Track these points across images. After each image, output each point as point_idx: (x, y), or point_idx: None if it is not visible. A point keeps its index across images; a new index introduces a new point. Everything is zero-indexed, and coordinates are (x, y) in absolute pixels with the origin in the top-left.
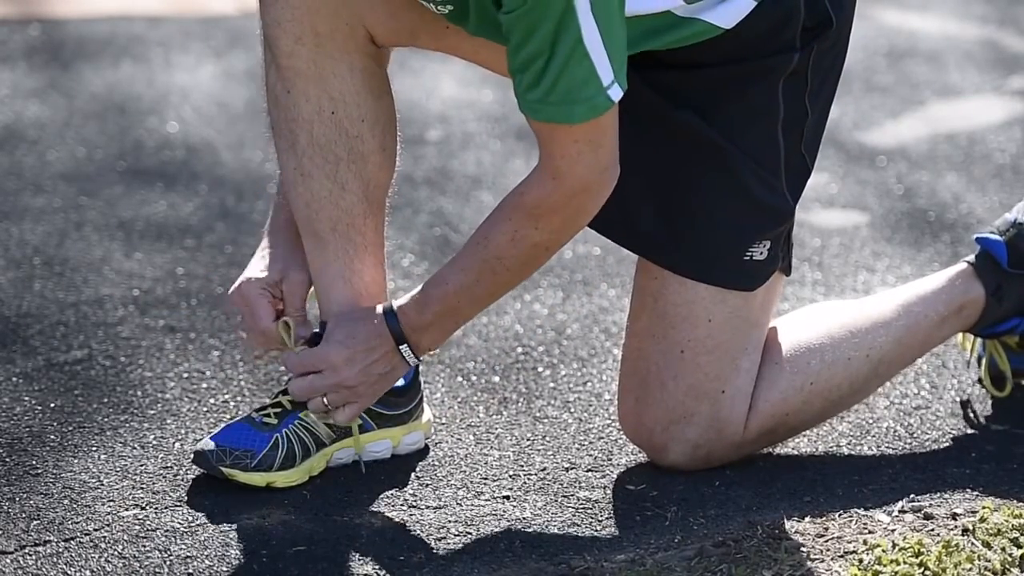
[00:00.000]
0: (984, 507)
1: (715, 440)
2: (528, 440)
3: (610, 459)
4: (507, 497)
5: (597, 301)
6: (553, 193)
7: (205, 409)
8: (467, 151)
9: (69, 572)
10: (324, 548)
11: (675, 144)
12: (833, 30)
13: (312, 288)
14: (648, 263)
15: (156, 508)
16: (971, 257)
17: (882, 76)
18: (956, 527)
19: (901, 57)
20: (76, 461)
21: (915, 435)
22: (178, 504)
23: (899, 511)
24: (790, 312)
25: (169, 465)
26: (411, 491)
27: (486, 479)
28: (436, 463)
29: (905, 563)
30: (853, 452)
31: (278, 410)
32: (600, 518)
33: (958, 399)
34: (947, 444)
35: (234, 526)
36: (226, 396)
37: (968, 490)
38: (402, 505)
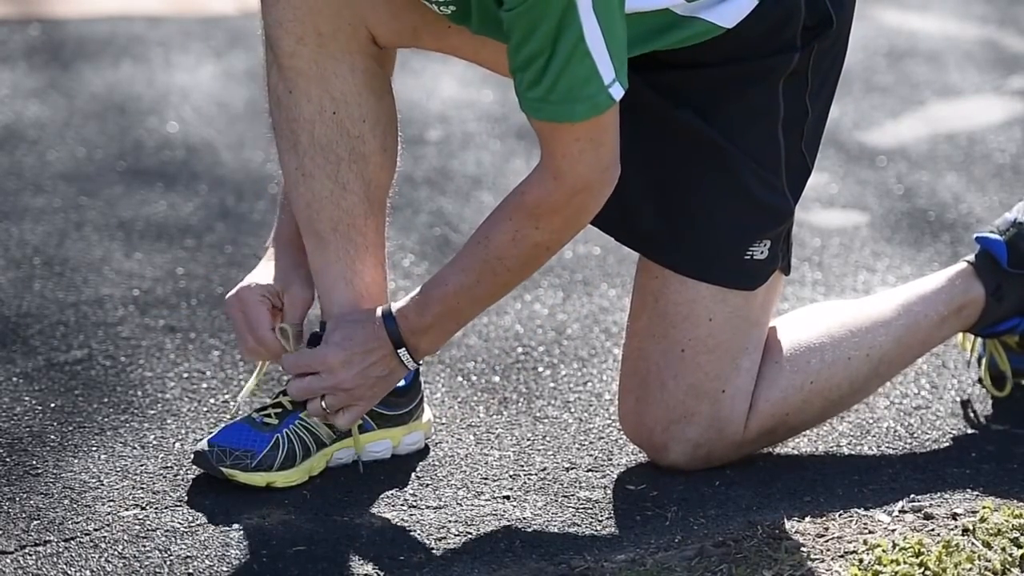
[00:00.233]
0: (984, 507)
1: (715, 440)
2: (528, 440)
3: (610, 459)
4: (507, 497)
5: (597, 301)
6: (554, 192)
7: (205, 409)
8: (467, 151)
9: (69, 572)
10: (324, 548)
11: (675, 144)
12: (833, 29)
13: (310, 307)
14: (649, 262)
15: (156, 508)
16: (971, 257)
17: (882, 76)
18: (956, 527)
19: (901, 57)
20: (76, 461)
21: (915, 435)
22: (178, 504)
23: (899, 511)
24: (790, 312)
25: (169, 465)
26: (411, 491)
27: (486, 479)
28: (436, 463)
29: (905, 563)
30: (853, 452)
31: (278, 410)
32: (600, 518)
33: (958, 399)
34: (947, 444)
35: (234, 526)
36: (226, 396)
37: (968, 490)
38: (402, 505)
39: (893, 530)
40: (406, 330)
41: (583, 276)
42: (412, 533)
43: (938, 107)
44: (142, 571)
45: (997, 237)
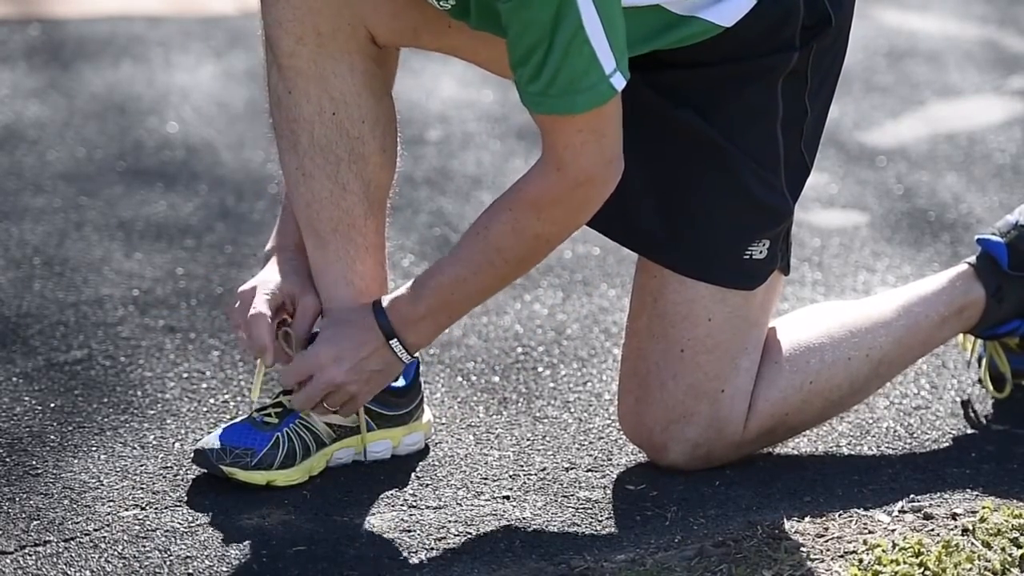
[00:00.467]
0: (984, 507)
1: (715, 440)
2: (528, 440)
3: (610, 459)
4: (507, 497)
5: (597, 301)
6: (558, 184)
7: (205, 409)
8: (467, 151)
9: (69, 572)
10: (324, 548)
11: (675, 143)
12: (832, 28)
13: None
14: (648, 262)
15: (156, 508)
16: (972, 258)
17: (882, 76)
18: (956, 527)
19: (901, 57)
20: (76, 461)
21: (915, 435)
22: (178, 504)
23: (899, 511)
24: (790, 312)
25: (169, 465)
26: (411, 491)
27: (486, 479)
28: (436, 463)
29: (905, 563)
30: (853, 452)
31: (279, 410)
32: (600, 518)
33: (958, 399)
34: (947, 444)
35: (234, 526)
36: (226, 396)
37: (968, 490)
38: (402, 505)
39: (893, 530)
40: (398, 321)
41: (583, 276)
42: (412, 533)
43: (938, 107)
44: (142, 571)
45: (998, 239)
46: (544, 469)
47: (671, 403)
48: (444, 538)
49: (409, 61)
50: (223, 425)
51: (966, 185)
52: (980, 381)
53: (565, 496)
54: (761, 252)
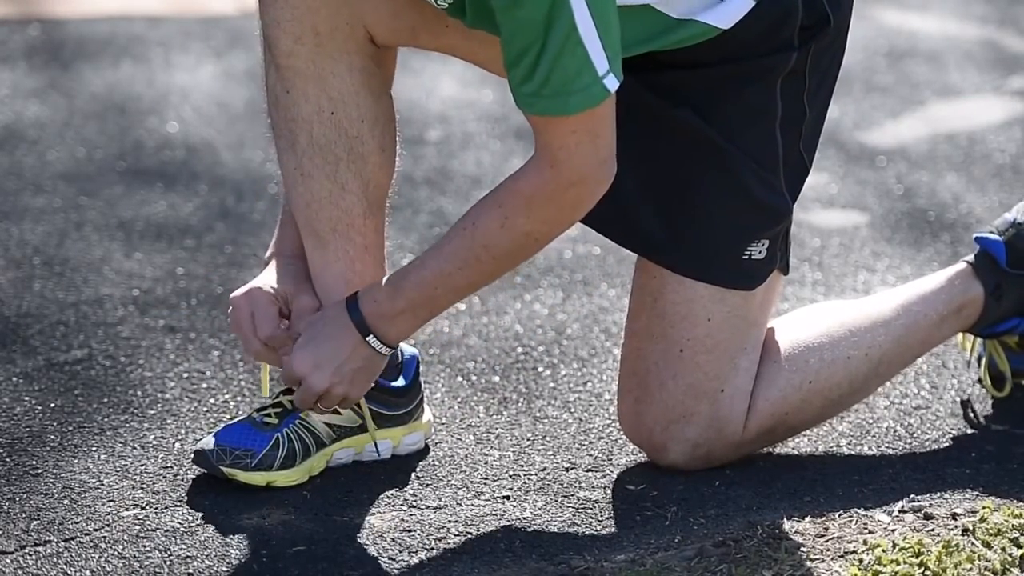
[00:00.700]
0: (984, 507)
1: (715, 439)
2: (528, 440)
3: (610, 459)
4: (507, 497)
5: (597, 301)
6: (551, 182)
7: (205, 409)
8: (467, 151)
9: (69, 572)
10: (324, 548)
11: (674, 143)
12: (831, 29)
13: None
14: (647, 262)
15: (156, 508)
16: (970, 257)
17: (882, 76)
18: (956, 527)
19: (901, 57)
20: (76, 461)
21: (915, 435)
22: (178, 504)
23: (899, 511)
24: (789, 312)
25: (169, 465)
26: (411, 491)
27: (486, 479)
28: (436, 463)
29: (905, 563)
30: (853, 452)
31: (279, 410)
32: (600, 518)
33: (958, 399)
34: (947, 444)
35: (234, 526)
36: (226, 396)
37: (968, 490)
38: (402, 505)
39: (893, 530)
40: (375, 315)
41: (583, 276)
42: (412, 533)
43: (938, 107)
44: (142, 571)
45: (996, 237)
46: (544, 469)
47: (671, 403)
48: (444, 538)
49: (409, 61)
50: (223, 425)
51: (966, 185)
52: (980, 381)
53: (565, 496)
54: (760, 252)
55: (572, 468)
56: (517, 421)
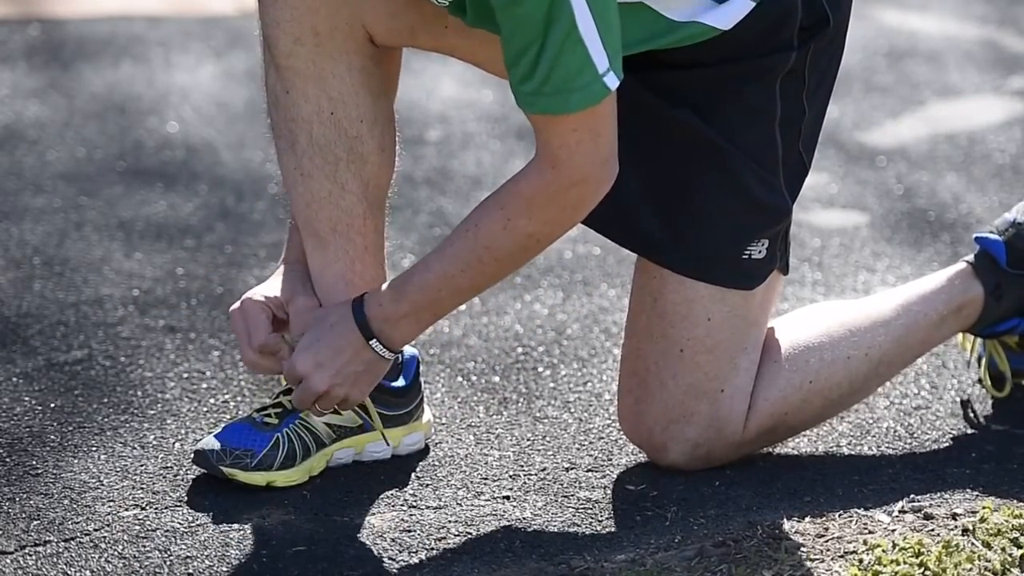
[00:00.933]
0: (984, 507)
1: (715, 439)
2: (528, 440)
3: (610, 459)
4: (507, 497)
5: (597, 301)
6: (552, 182)
7: (205, 409)
8: (467, 151)
9: (69, 572)
10: (324, 548)
11: (673, 143)
12: (830, 29)
13: None
14: (647, 262)
15: (156, 508)
16: (970, 257)
17: (882, 76)
18: (956, 527)
19: (901, 57)
20: (76, 461)
21: (915, 435)
22: (178, 504)
23: (899, 511)
24: (789, 312)
25: (169, 465)
26: (411, 491)
27: (486, 479)
28: (436, 463)
29: (905, 563)
30: (853, 452)
31: (279, 410)
32: (600, 518)
33: (958, 399)
34: (947, 444)
35: (234, 526)
36: (226, 396)
37: (968, 490)
38: (402, 505)
39: (893, 530)
40: (379, 319)
41: (583, 276)
42: (412, 533)
43: (938, 107)
44: (142, 571)
45: (996, 237)
46: (544, 469)
47: (671, 403)
48: (444, 538)
49: (409, 61)
50: (223, 425)
51: (966, 185)
52: (980, 381)
53: (565, 496)
54: (760, 252)
55: (572, 468)
56: (517, 421)
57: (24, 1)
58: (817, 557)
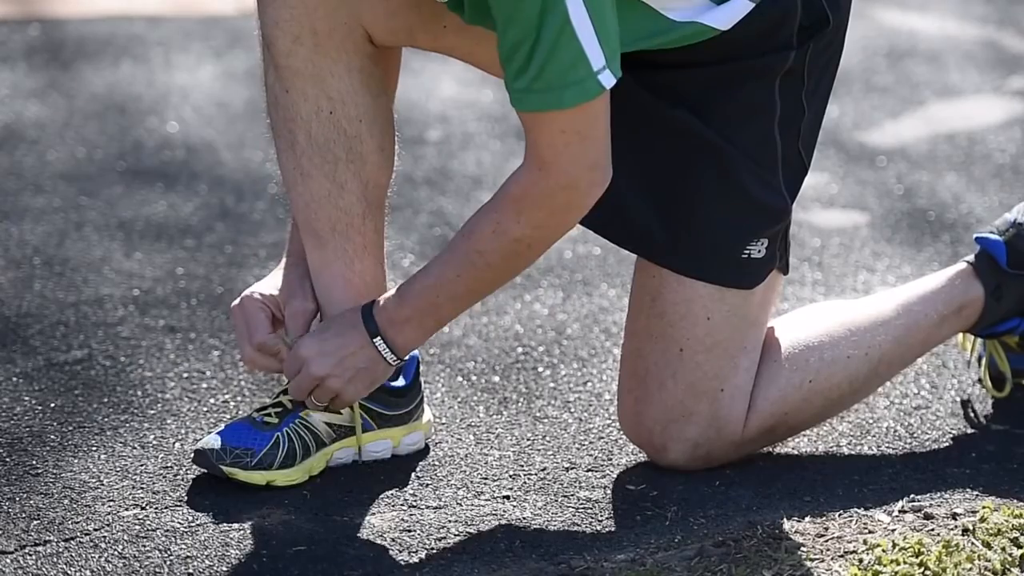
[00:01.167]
0: (984, 507)
1: (715, 439)
2: (528, 440)
3: (610, 459)
4: (507, 497)
5: (597, 301)
6: (538, 183)
7: (205, 409)
8: (467, 151)
9: (69, 572)
10: (324, 548)
11: (672, 143)
12: (830, 28)
13: (314, 319)
14: (647, 262)
15: (156, 508)
16: (970, 257)
17: (882, 76)
18: (956, 527)
19: (901, 57)
20: (76, 461)
21: (915, 435)
22: (178, 504)
23: (899, 511)
24: (789, 312)
25: (169, 465)
26: (411, 491)
27: (486, 479)
28: (436, 463)
29: (905, 563)
30: (853, 452)
31: (279, 410)
32: (600, 518)
33: (958, 399)
34: (947, 444)
35: (234, 526)
36: (226, 396)
37: (968, 490)
38: (402, 505)
39: (893, 530)
40: (384, 321)
41: (583, 276)
42: (412, 533)
43: (938, 107)
44: (142, 571)
45: (996, 237)
46: (544, 469)
47: (671, 403)
48: (444, 538)
49: (409, 61)
50: (223, 425)
51: (966, 185)
52: (980, 381)
53: (565, 496)
54: (760, 251)
55: (572, 468)
56: (517, 421)
57: (24, 1)
58: (817, 557)
